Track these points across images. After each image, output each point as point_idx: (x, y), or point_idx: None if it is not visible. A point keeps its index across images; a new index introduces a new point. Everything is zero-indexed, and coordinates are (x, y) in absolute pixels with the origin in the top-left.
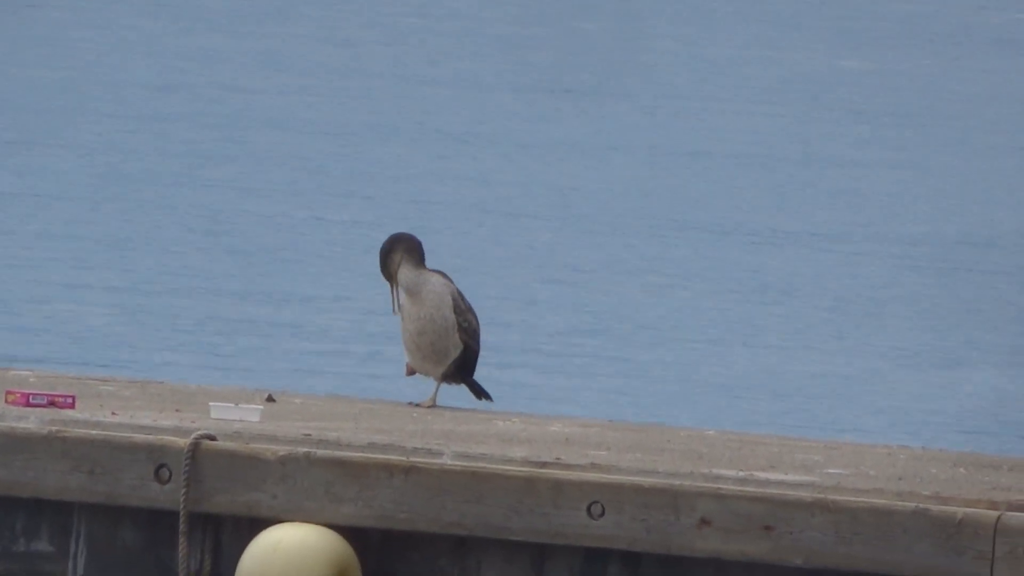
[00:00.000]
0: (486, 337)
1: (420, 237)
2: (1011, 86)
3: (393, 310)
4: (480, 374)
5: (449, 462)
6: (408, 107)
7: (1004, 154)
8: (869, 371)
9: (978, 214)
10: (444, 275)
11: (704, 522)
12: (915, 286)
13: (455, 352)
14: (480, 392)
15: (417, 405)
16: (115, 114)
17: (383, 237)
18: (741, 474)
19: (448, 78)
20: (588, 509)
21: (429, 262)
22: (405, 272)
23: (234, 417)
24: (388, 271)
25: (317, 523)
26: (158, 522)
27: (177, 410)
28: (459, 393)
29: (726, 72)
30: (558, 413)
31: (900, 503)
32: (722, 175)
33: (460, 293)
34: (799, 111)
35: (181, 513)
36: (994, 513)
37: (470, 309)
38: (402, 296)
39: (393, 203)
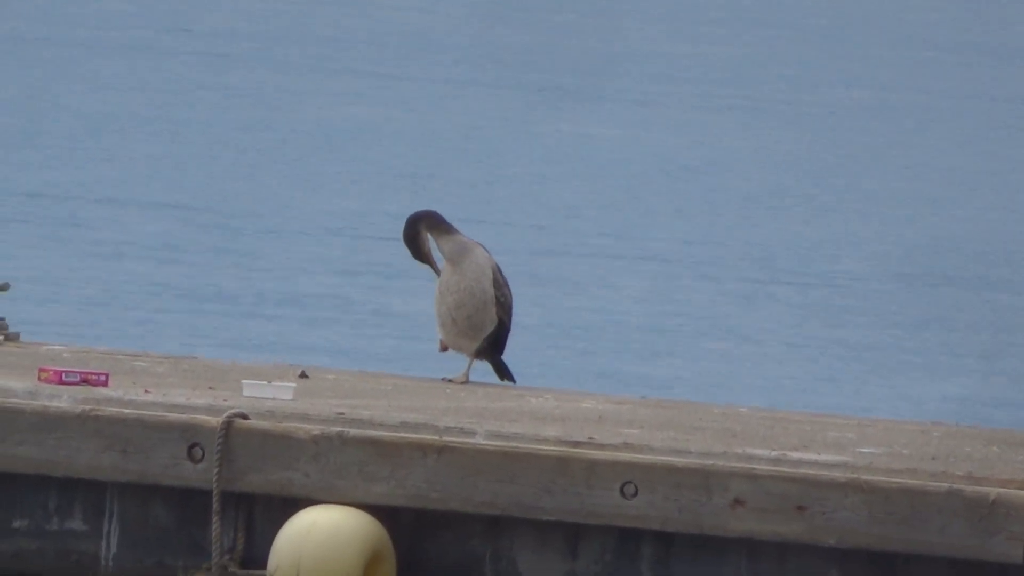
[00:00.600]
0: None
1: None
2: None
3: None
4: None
5: (482, 441)
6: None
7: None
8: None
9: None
10: (484, 248)
11: (737, 502)
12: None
13: (490, 327)
14: (504, 372)
15: (450, 381)
16: None
17: None
18: (774, 454)
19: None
20: (621, 489)
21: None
22: (444, 243)
23: (267, 395)
24: (421, 253)
25: (350, 503)
26: (191, 501)
27: (210, 387)
28: (492, 371)
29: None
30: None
31: (933, 484)
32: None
33: (498, 267)
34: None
35: (214, 492)
36: None
37: (507, 284)
38: (443, 266)
39: None
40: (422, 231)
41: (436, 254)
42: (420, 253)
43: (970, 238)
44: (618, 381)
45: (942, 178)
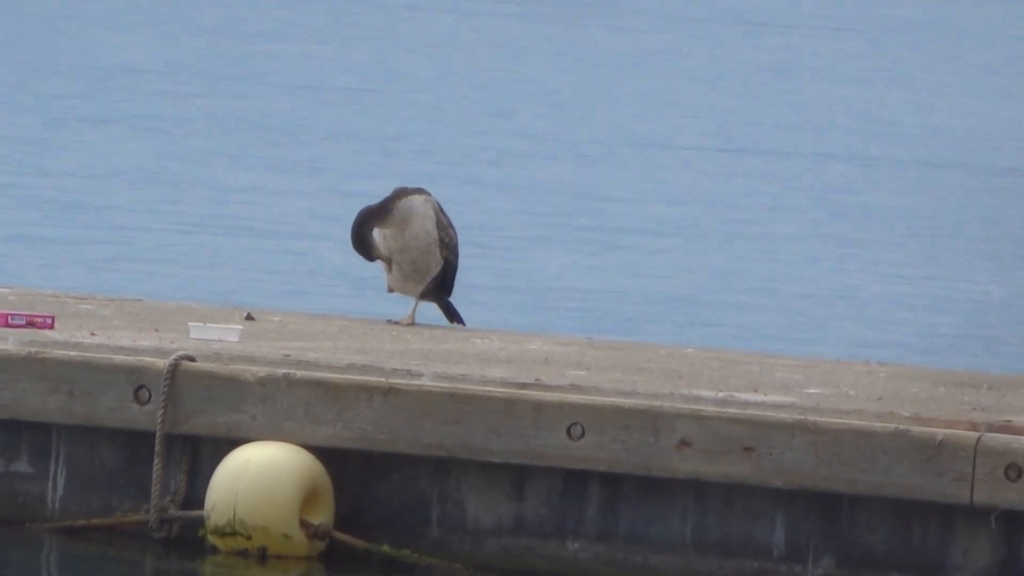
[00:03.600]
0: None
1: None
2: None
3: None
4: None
5: (428, 383)
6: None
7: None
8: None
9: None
10: (423, 191)
11: (684, 443)
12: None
13: (435, 269)
14: (453, 315)
15: (396, 323)
16: None
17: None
18: (721, 395)
19: None
20: (568, 431)
21: None
22: (387, 224)
23: (213, 337)
24: (371, 252)
25: (295, 444)
26: (137, 443)
27: (156, 330)
28: (438, 312)
29: None
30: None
31: (880, 424)
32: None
33: (440, 207)
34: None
35: (157, 434)
36: (974, 434)
37: (451, 224)
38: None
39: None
40: (367, 228)
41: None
42: (370, 254)
43: None
44: None
45: None
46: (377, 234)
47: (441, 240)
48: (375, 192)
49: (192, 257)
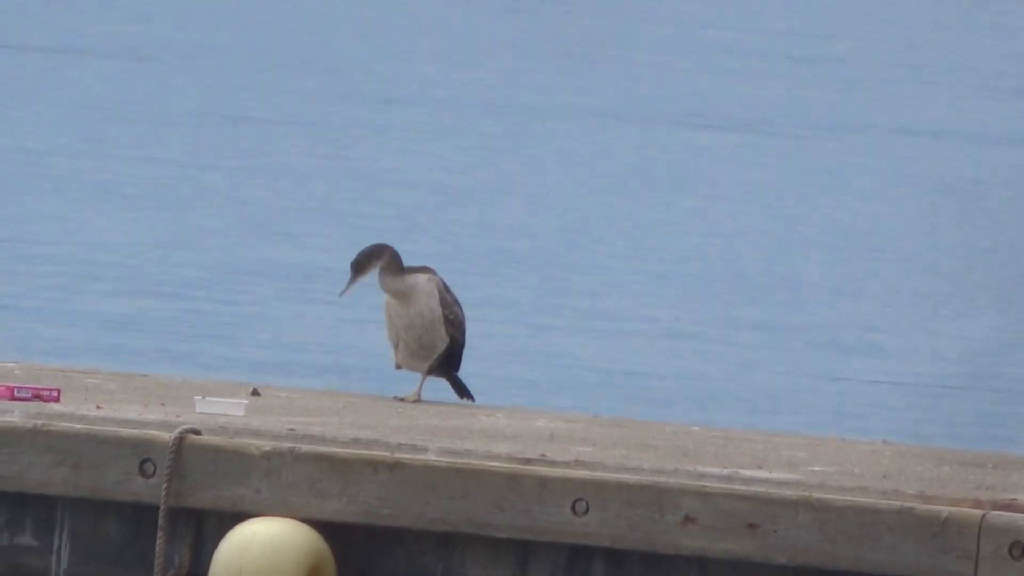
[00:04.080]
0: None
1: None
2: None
3: (341, 293)
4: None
5: (434, 458)
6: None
7: None
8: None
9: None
10: (428, 269)
11: (688, 520)
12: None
13: (442, 346)
14: (463, 391)
15: (402, 400)
16: None
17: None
18: (726, 471)
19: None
20: (572, 506)
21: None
22: (389, 281)
23: (219, 411)
24: (360, 269)
25: (301, 519)
26: (143, 517)
27: (162, 404)
28: (445, 387)
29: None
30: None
31: (885, 502)
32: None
33: (445, 285)
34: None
35: (161, 507)
36: (979, 512)
37: (456, 302)
38: (389, 299)
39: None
40: (377, 260)
41: (372, 282)
42: (358, 268)
43: None
44: None
45: None
46: (384, 312)
47: (446, 318)
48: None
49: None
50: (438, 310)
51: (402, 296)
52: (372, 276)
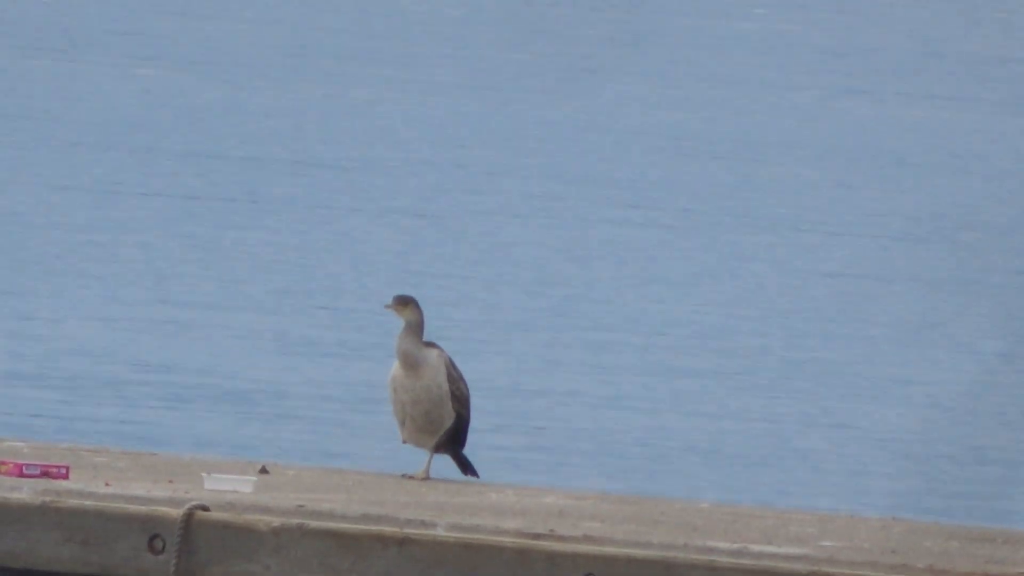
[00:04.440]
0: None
1: None
2: None
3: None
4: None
5: (443, 533)
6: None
7: None
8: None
9: None
10: (436, 345)
11: None
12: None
13: (449, 422)
14: (467, 467)
15: (410, 477)
16: None
17: None
18: (735, 546)
19: None
20: None
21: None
22: (407, 344)
23: (227, 488)
24: (404, 303)
25: None
26: None
27: (170, 481)
28: (453, 466)
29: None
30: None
31: None
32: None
33: (452, 362)
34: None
35: None
36: None
37: (461, 378)
38: (396, 372)
39: None
40: (413, 312)
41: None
42: (401, 305)
43: None
44: None
45: None
46: (390, 387)
47: (453, 394)
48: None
49: None
50: (446, 386)
51: (412, 365)
52: (400, 321)
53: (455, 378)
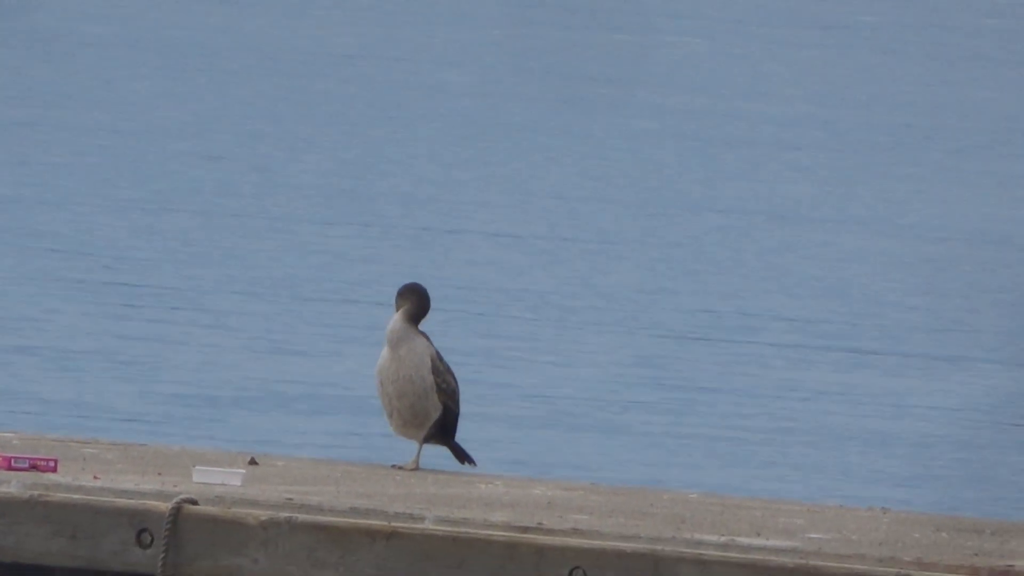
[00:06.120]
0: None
1: None
2: None
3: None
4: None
5: (431, 527)
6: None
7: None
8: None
9: None
10: (427, 337)
11: None
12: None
13: (435, 414)
14: (463, 456)
15: (400, 468)
16: None
17: None
18: (723, 539)
19: None
20: (570, 574)
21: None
22: (396, 322)
23: (216, 481)
24: (408, 294)
25: None
26: None
27: (159, 473)
28: (443, 456)
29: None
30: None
31: (882, 569)
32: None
33: (439, 355)
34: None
35: None
36: None
37: (448, 370)
38: (382, 360)
39: None
40: (407, 300)
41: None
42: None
43: None
44: None
45: None
46: (376, 378)
47: (438, 386)
48: None
49: None
50: (429, 378)
51: (394, 343)
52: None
53: (441, 371)
